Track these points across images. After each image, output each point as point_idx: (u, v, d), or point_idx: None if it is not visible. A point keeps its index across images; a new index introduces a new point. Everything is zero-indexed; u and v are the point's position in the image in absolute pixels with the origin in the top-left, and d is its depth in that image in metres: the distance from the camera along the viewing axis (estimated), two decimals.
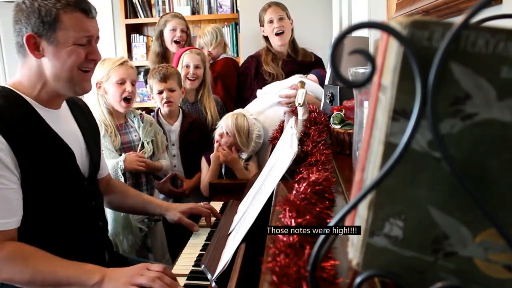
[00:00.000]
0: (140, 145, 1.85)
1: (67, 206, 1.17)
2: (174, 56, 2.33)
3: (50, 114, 1.16)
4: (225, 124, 1.92)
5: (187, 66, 2.19)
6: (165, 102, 2.01)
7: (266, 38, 2.39)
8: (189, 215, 1.45)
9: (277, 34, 2.31)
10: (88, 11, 1.13)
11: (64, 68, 1.12)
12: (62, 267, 1.06)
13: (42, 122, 1.14)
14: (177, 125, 2.09)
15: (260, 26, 2.40)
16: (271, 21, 2.32)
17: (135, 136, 1.86)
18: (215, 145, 1.97)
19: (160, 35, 2.52)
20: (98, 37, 1.18)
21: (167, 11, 3.52)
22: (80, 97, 1.39)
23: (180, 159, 2.11)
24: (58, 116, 1.20)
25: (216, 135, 1.96)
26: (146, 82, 2.41)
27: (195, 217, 1.49)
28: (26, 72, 1.14)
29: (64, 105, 1.26)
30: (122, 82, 1.77)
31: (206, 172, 1.99)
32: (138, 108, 2.09)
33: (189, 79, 2.19)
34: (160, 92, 2.01)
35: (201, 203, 1.52)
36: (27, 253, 1.05)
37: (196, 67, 2.19)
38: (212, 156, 1.92)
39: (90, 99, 1.75)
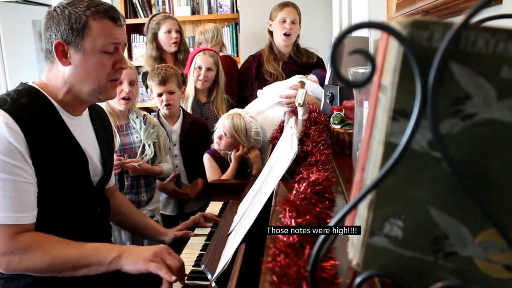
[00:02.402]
0: (141, 147, 1.84)
1: (72, 211, 1.17)
2: (189, 56, 2.33)
3: (71, 120, 1.17)
4: (222, 126, 1.91)
5: (199, 68, 2.20)
6: (165, 105, 2.02)
7: (270, 33, 2.38)
8: (185, 229, 1.45)
9: (284, 35, 2.30)
10: (116, 19, 1.14)
11: (91, 78, 1.13)
12: (79, 250, 1.08)
13: (63, 124, 1.15)
14: (177, 125, 2.09)
15: (269, 19, 2.38)
16: (283, 21, 2.30)
17: (137, 137, 1.84)
18: (216, 147, 1.97)
19: (155, 38, 2.50)
20: (125, 44, 1.19)
21: (167, 11, 3.52)
22: None
23: (182, 159, 2.11)
24: (79, 123, 1.21)
25: (215, 138, 1.95)
26: (146, 86, 2.40)
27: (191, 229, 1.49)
28: (52, 77, 1.15)
29: (86, 113, 1.27)
30: (119, 83, 1.75)
31: (211, 168, 1.98)
32: (140, 108, 2.08)
33: (200, 81, 2.20)
34: (160, 95, 2.02)
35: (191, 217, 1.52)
36: (43, 240, 1.07)
37: (208, 69, 2.21)
38: (234, 155, 1.92)
39: None
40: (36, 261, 1.05)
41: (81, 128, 1.21)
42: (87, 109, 1.27)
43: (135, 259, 1.06)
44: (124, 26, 1.18)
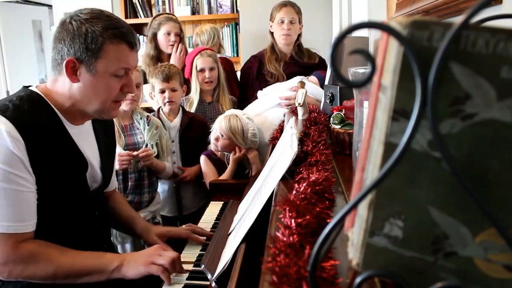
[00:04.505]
0: (144, 147, 1.85)
1: (70, 215, 1.17)
2: (186, 60, 2.33)
3: (73, 130, 1.17)
4: (219, 127, 1.90)
5: (202, 70, 2.20)
6: (167, 102, 2.03)
7: (272, 34, 2.37)
8: (167, 239, 1.36)
9: (283, 35, 2.30)
10: (133, 45, 1.13)
11: (98, 99, 1.12)
12: (82, 259, 1.10)
13: (65, 131, 1.14)
14: (176, 121, 2.09)
15: (270, 20, 2.37)
16: (282, 21, 2.29)
17: (140, 138, 1.86)
18: (212, 147, 1.96)
19: (154, 38, 2.51)
20: (135, 67, 1.18)
21: (167, 11, 3.52)
22: None
23: (180, 156, 2.11)
24: (80, 131, 1.20)
25: (212, 139, 1.95)
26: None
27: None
28: (58, 88, 1.13)
29: (88, 121, 1.26)
30: None
31: (208, 170, 1.98)
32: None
33: (206, 83, 2.21)
34: (162, 92, 2.03)
35: (183, 226, 1.42)
36: (46, 250, 1.08)
37: (211, 69, 2.21)
38: (232, 157, 1.91)
39: None
40: (38, 270, 1.06)
41: (83, 136, 1.21)
42: None
43: (136, 264, 1.10)
44: (138, 51, 1.17)
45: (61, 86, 1.13)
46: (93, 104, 1.13)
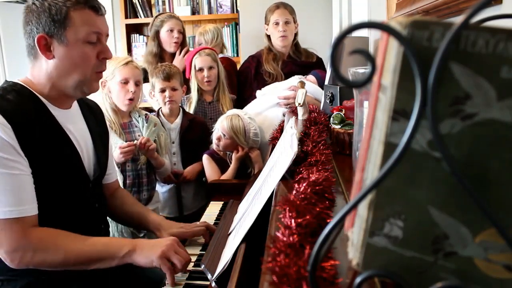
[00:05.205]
0: None
1: (70, 207, 1.18)
2: (186, 60, 2.33)
3: (60, 113, 1.18)
4: (221, 127, 1.90)
5: (201, 70, 2.20)
6: (167, 101, 2.03)
7: (268, 37, 2.38)
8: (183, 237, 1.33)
9: (280, 37, 2.30)
10: (97, 9, 1.15)
11: (76, 71, 1.13)
12: (92, 245, 1.10)
13: (52, 117, 1.15)
14: (177, 122, 2.10)
15: (265, 24, 2.38)
16: (276, 23, 2.30)
17: (139, 136, 1.86)
18: (214, 147, 1.97)
19: (156, 36, 2.52)
20: (107, 35, 1.20)
21: (167, 11, 3.52)
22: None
23: (180, 157, 2.11)
24: (68, 115, 1.21)
25: (214, 139, 1.95)
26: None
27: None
28: (36, 73, 1.15)
29: (75, 105, 1.27)
30: (125, 82, 1.78)
31: (211, 169, 1.98)
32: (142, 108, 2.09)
33: (206, 82, 2.20)
34: (163, 91, 2.03)
35: (196, 223, 1.42)
36: (56, 236, 1.08)
37: (210, 68, 2.20)
38: (235, 156, 1.91)
39: (95, 97, 1.74)
40: (49, 256, 1.06)
41: (72, 120, 1.21)
42: (76, 102, 1.27)
43: (149, 253, 1.09)
44: (105, 16, 1.19)
45: (38, 71, 1.14)
46: (73, 77, 1.14)
